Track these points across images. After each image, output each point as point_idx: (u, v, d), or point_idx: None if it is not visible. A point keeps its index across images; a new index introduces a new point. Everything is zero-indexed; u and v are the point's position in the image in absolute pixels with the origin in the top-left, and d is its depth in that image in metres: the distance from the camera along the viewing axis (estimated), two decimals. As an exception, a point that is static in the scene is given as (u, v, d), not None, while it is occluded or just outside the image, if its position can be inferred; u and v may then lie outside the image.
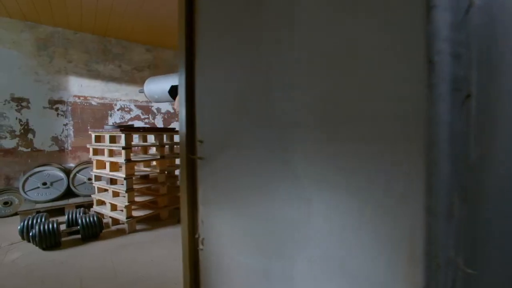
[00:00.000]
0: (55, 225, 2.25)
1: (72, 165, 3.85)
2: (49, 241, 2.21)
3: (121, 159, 2.69)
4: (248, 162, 0.58)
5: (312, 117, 0.47)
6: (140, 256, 2.15)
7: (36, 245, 2.21)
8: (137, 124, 4.54)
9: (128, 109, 4.53)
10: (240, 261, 0.58)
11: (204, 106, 0.68)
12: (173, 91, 2.85)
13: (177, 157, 3.29)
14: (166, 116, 5.00)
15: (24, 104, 3.63)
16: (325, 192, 0.44)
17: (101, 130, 2.97)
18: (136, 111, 4.62)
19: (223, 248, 0.64)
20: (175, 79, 2.85)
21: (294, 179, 0.49)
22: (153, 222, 2.96)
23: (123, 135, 2.67)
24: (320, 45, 0.46)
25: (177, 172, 3.39)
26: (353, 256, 0.40)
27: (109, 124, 4.24)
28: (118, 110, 4.42)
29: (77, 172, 3.53)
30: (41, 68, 3.75)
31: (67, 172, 3.49)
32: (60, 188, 3.31)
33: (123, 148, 2.65)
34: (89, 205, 3.20)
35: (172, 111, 5.06)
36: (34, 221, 2.36)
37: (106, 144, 2.81)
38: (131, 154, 2.75)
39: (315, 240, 0.46)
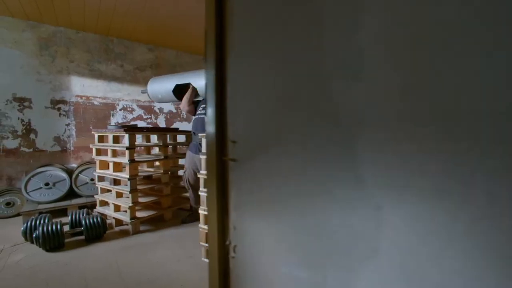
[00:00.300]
0: (58, 226, 2.23)
1: (74, 165, 3.84)
2: (53, 242, 2.19)
3: (124, 160, 2.66)
4: (296, 165, 0.51)
5: (384, 113, 0.41)
6: (145, 258, 2.13)
7: (40, 247, 2.19)
8: (140, 124, 4.52)
9: (130, 109, 4.51)
10: (285, 272, 0.54)
11: (238, 105, 0.62)
12: (177, 91, 2.82)
13: (181, 158, 3.27)
14: (168, 116, 4.98)
15: (26, 104, 3.61)
16: (400, 199, 0.39)
17: (104, 130, 2.95)
18: (139, 111, 4.60)
19: (261, 257, 0.60)
20: (179, 79, 2.82)
21: (358, 185, 0.43)
22: (156, 223, 2.94)
23: (126, 135, 2.65)
24: (400, 26, 0.39)
25: (180, 172, 3.37)
26: (435, 271, 0.36)
27: (111, 124, 4.22)
28: (120, 110, 4.40)
29: (80, 172, 3.51)
30: (43, 68, 3.73)
31: (70, 172, 3.48)
32: (63, 189, 3.29)
33: (127, 148, 2.63)
34: (92, 205, 3.18)
35: (174, 111, 5.04)
36: (38, 222, 2.34)
37: (109, 144, 2.79)
38: (134, 154, 2.73)
39: (386, 252, 0.41)
